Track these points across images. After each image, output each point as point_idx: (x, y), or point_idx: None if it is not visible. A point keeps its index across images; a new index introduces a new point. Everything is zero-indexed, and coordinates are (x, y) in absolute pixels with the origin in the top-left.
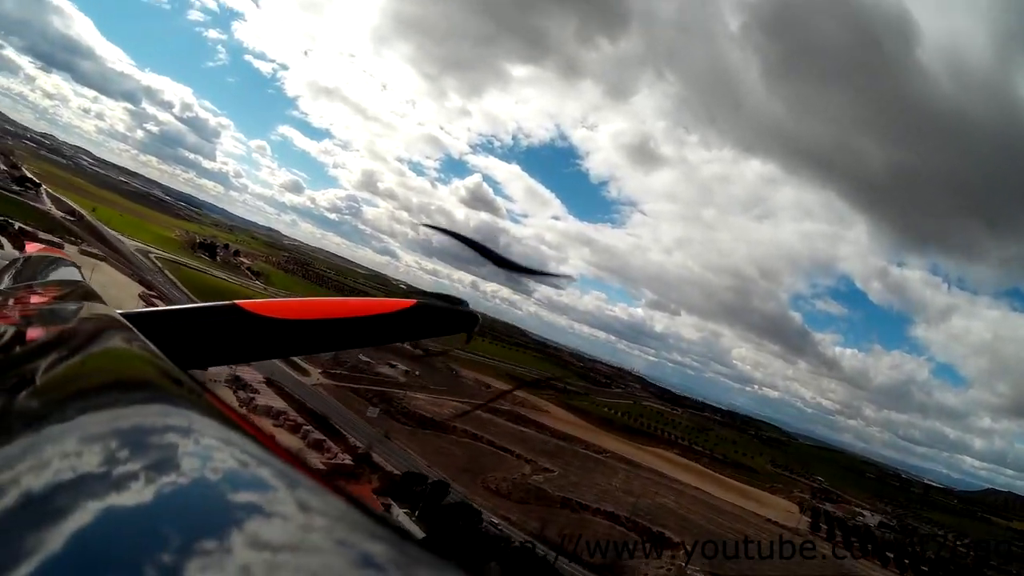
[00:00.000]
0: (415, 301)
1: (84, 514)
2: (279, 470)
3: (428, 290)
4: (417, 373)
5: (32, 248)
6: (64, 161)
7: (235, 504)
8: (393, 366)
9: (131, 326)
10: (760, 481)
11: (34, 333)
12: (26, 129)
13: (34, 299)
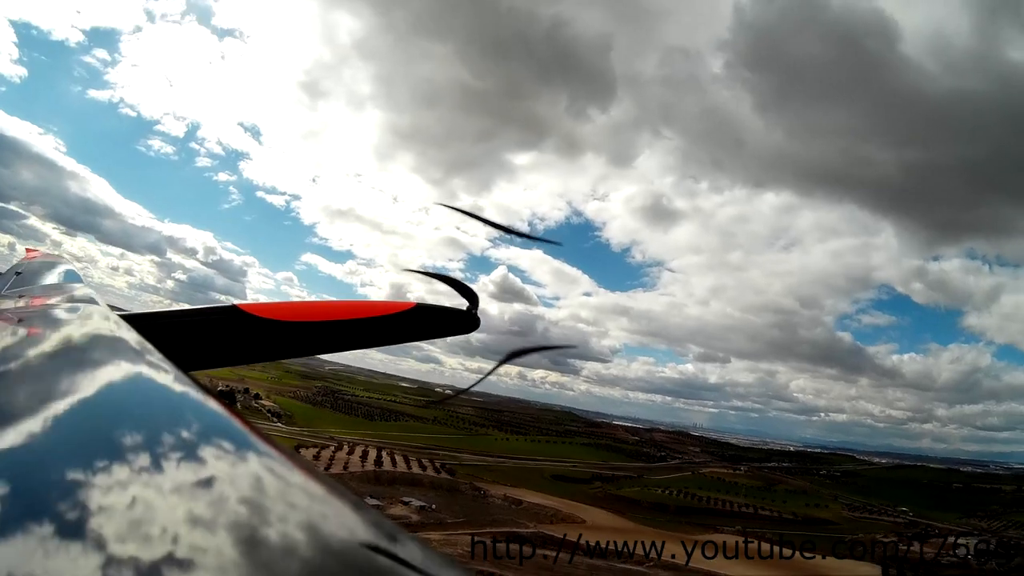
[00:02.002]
0: (415, 303)
1: (84, 512)
2: (279, 470)
3: (442, 273)
4: (434, 507)
5: (33, 254)
6: None
7: (235, 503)
8: (407, 503)
9: (132, 328)
10: (839, 532)
11: (37, 335)
12: None
13: (35, 302)
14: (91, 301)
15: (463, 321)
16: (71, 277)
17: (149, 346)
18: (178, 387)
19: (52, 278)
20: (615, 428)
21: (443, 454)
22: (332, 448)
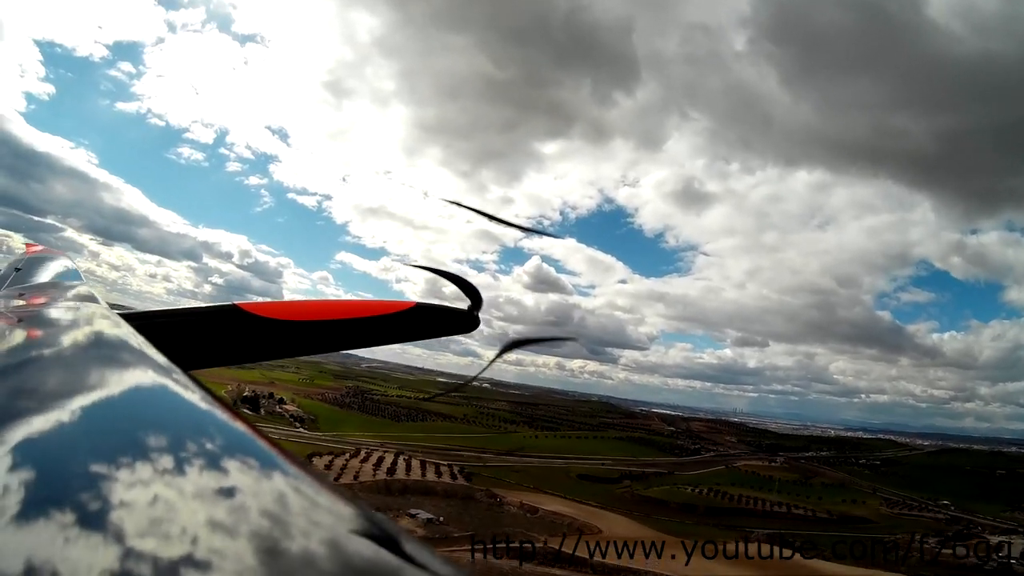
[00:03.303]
0: (415, 302)
1: (83, 510)
2: (279, 469)
3: (445, 269)
4: (442, 519)
5: (33, 250)
6: None
7: (235, 502)
8: (414, 515)
9: (132, 327)
10: (876, 532)
11: (35, 333)
12: None
13: (35, 300)
14: (91, 299)
15: (463, 321)
16: (71, 274)
17: (149, 345)
18: (177, 387)
19: (51, 275)
20: (651, 419)
21: (467, 455)
22: (347, 456)
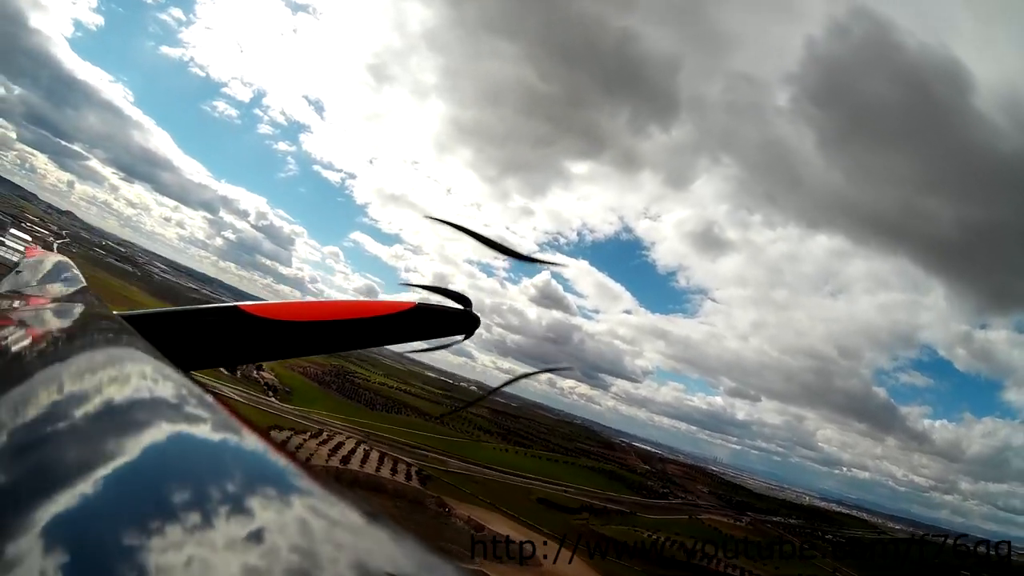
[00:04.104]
0: (415, 303)
1: (83, 510)
2: (279, 469)
3: (436, 285)
4: (329, 477)
5: (34, 252)
6: (131, 269)
7: (235, 501)
8: None
9: (132, 328)
10: None
11: (36, 335)
12: (102, 235)
13: (36, 301)
14: (92, 300)
15: (463, 322)
16: (72, 277)
17: (149, 346)
18: (177, 388)
19: (52, 277)
20: (628, 453)
21: (430, 456)
22: (307, 435)
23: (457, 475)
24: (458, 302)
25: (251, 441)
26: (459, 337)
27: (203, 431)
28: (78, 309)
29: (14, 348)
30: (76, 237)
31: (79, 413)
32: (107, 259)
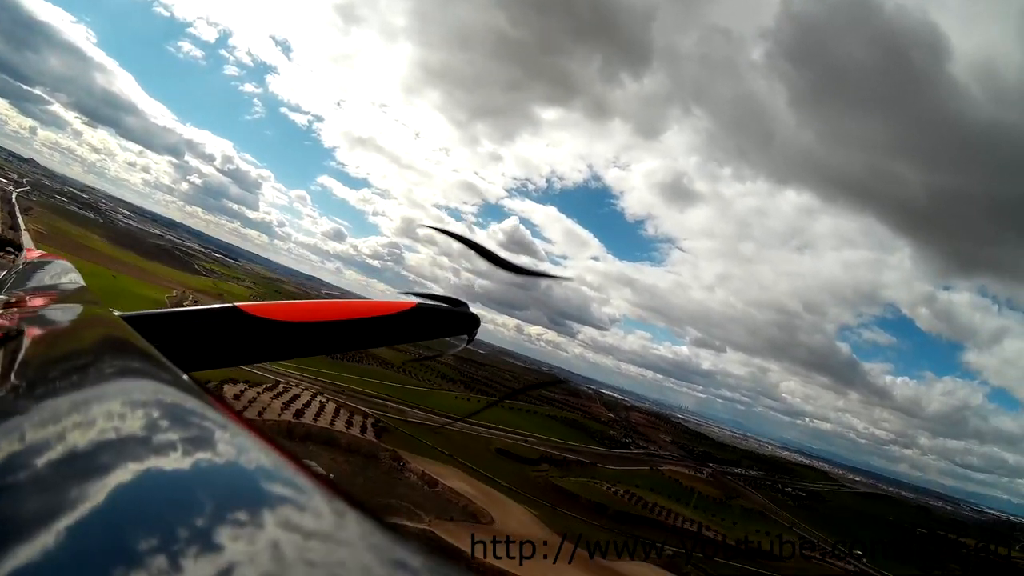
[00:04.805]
0: (415, 303)
1: (84, 510)
2: (279, 469)
3: (429, 292)
4: (331, 477)
5: (33, 254)
6: (93, 217)
7: (235, 501)
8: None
9: (132, 329)
10: (782, 573)
11: (36, 336)
12: (64, 182)
13: (35, 302)
14: (91, 302)
15: (463, 322)
16: (71, 278)
17: (150, 347)
18: (178, 389)
19: (52, 278)
20: (593, 401)
21: (390, 406)
22: (262, 388)
23: (416, 426)
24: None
25: (254, 445)
26: (463, 340)
27: (204, 433)
28: (78, 310)
29: (15, 349)
30: (37, 185)
31: (80, 415)
32: (69, 207)
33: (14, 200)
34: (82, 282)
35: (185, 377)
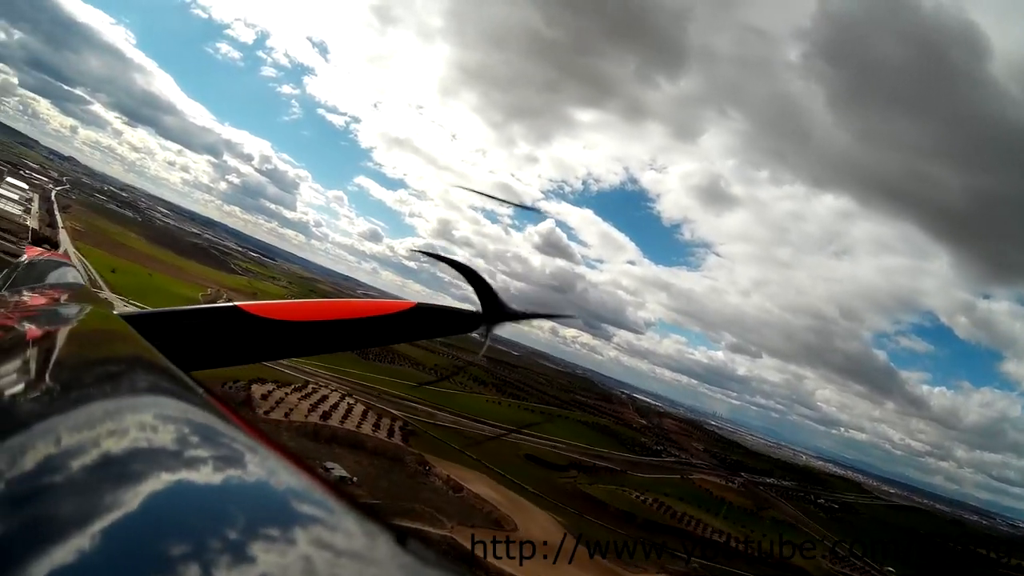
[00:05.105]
0: (415, 303)
1: (84, 511)
2: (279, 468)
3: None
4: (355, 480)
5: (33, 252)
6: (132, 215)
7: (235, 502)
8: (328, 470)
9: (132, 328)
10: None
11: (36, 335)
12: (104, 180)
13: (36, 301)
14: (92, 301)
15: (463, 321)
16: (72, 276)
17: (150, 347)
18: (178, 388)
19: (53, 277)
20: (626, 406)
21: (420, 409)
22: (291, 388)
23: (445, 429)
24: (462, 272)
25: (255, 445)
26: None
27: (204, 434)
28: (78, 309)
29: (16, 348)
30: (77, 183)
31: (78, 415)
32: (108, 205)
33: (53, 198)
34: (83, 280)
35: (185, 376)
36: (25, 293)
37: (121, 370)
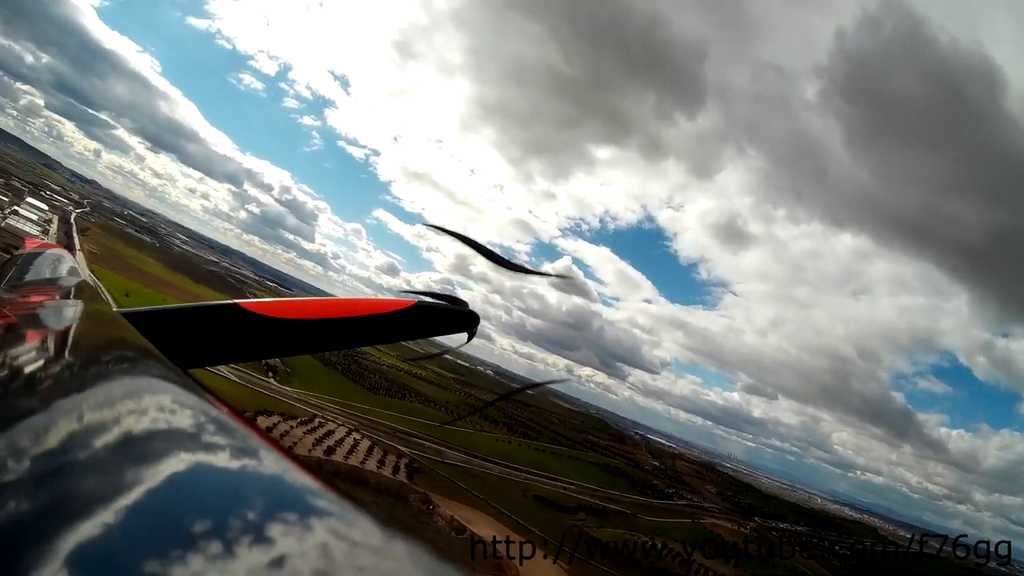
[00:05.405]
0: (414, 301)
1: (84, 509)
2: (278, 468)
3: (428, 289)
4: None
5: (32, 244)
6: (149, 240)
7: (230, 498)
8: None
9: (131, 325)
10: None
11: (35, 330)
12: (125, 204)
13: (35, 296)
14: (91, 296)
15: (462, 321)
16: (71, 271)
17: (149, 344)
18: (177, 387)
19: (51, 271)
20: (638, 447)
21: (427, 446)
22: (297, 421)
23: (453, 468)
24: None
25: (250, 441)
26: (462, 339)
27: (204, 434)
28: (77, 306)
29: (14, 343)
30: (97, 206)
31: (77, 412)
32: (126, 229)
33: (72, 220)
34: (82, 276)
35: (181, 374)
36: (24, 287)
37: (116, 368)
